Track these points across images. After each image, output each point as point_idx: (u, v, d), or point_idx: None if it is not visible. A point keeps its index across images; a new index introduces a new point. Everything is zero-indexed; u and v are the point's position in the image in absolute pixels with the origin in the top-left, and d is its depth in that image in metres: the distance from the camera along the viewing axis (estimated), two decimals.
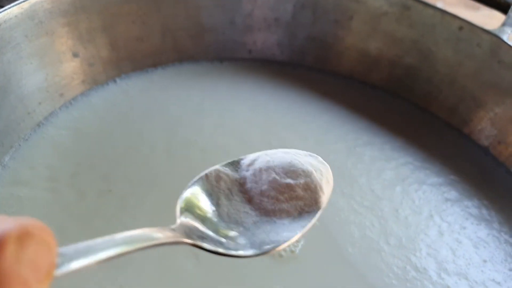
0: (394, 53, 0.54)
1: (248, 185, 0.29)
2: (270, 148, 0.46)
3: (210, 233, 0.27)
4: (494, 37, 0.49)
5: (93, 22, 0.49)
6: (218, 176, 0.29)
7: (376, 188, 0.45)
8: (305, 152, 0.31)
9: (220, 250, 0.26)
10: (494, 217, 0.45)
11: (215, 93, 0.52)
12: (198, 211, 0.28)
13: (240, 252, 0.26)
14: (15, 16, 0.43)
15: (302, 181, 0.28)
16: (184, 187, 0.42)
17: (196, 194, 0.28)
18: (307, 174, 0.29)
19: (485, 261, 0.42)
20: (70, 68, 0.49)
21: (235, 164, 0.31)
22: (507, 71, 0.48)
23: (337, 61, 0.57)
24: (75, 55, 0.49)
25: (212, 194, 0.29)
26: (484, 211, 0.46)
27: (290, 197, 0.28)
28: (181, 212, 0.27)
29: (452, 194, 0.46)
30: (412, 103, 0.55)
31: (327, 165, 0.31)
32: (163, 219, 0.40)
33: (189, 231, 0.26)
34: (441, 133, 0.52)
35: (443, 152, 0.50)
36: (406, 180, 0.47)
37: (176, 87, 0.52)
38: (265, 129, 0.49)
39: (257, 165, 0.30)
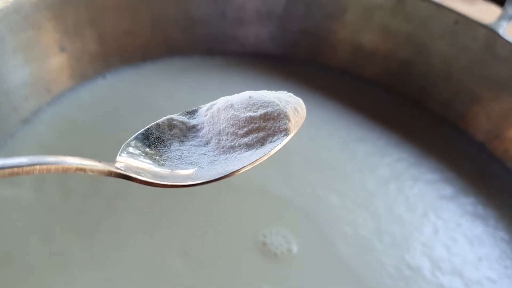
0: (389, 47, 0.53)
1: (206, 129, 0.28)
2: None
3: (153, 167, 0.25)
4: (489, 30, 0.48)
5: (81, 15, 0.48)
6: (171, 124, 0.28)
7: (370, 185, 0.44)
8: (275, 92, 0.28)
9: (158, 181, 0.24)
10: (489, 214, 0.45)
11: (206, 87, 0.51)
12: (143, 156, 0.26)
13: (184, 182, 0.25)
14: (0, 9, 0.42)
15: (262, 111, 0.26)
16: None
17: (143, 141, 0.27)
18: (268, 104, 0.26)
19: (480, 258, 0.41)
20: (57, 62, 0.48)
21: (192, 113, 0.29)
22: (502, 65, 0.48)
23: (331, 55, 0.56)
24: (62, 49, 0.48)
25: (164, 141, 0.27)
26: (480, 208, 0.45)
27: (250, 130, 0.26)
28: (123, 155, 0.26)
29: (448, 190, 0.46)
30: (406, 98, 0.54)
31: (299, 99, 0.28)
32: (152, 220, 0.39)
33: (126, 168, 0.24)
34: (436, 128, 0.52)
35: (438, 148, 0.49)
36: (400, 177, 0.46)
37: (166, 82, 0.51)
38: None
39: (215, 107, 0.28)
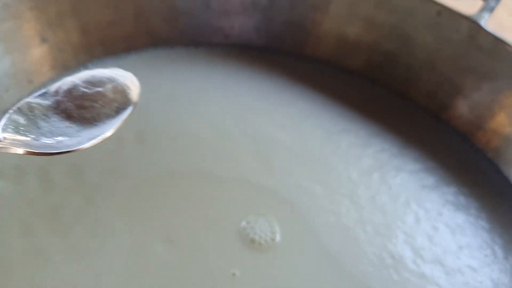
0: (373, 38, 0.54)
1: (62, 106, 0.32)
2: (246, 136, 0.46)
3: (34, 141, 0.30)
4: (472, 22, 0.48)
5: (63, 6, 0.47)
6: (30, 107, 0.32)
7: (353, 175, 0.45)
8: (110, 69, 0.35)
9: (46, 151, 0.30)
10: (471, 203, 0.45)
11: (190, 79, 0.51)
12: (17, 135, 0.30)
13: (68, 149, 0.31)
14: None
15: (109, 86, 0.33)
16: (155, 176, 0.42)
17: (12, 123, 0.31)
18: (111, 80, 0.33)
19: (461, 247, 0.42)
20: (39, 53, 0.47)
21: (43, 94, 0.33)
22: (484, 57, 0.48)
23: (315, 47, 0.56)
24: (44, 40, 0.47)
25: (31, 121, 0.32)
26: (462, 198, 0.46)
27: (104, 103, 0.32)
28: None
29: (430, 180, 0.46)
30: (390, 89, 0.54)
31: (128, 72, 0.36)
32: (134, 210, 0.39)
33: (12, 142, 0.29)
34: (420, 119, 0.52)
35: (421, 139, 0.50)
36: (383, 167, 0.46)
37: (149, 73, 0.51)
38: (240, 116, 0.48)
39: (65, 87, 0.33)
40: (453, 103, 0.51)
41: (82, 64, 0.50)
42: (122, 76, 0.34)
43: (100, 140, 0.31)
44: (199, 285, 0.35)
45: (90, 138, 0.31)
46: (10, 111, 0.31)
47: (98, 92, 0.32)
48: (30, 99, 0.33)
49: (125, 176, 0.41)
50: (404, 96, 0.54)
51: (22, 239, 0.36)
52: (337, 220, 0.41)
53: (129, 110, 0.33)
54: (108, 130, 0.32)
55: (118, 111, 0.33)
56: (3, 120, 0.31)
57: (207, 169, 0.43)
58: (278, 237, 0.39)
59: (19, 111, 0.32)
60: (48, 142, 0.31)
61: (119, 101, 0.33)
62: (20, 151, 0.29)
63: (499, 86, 0.48)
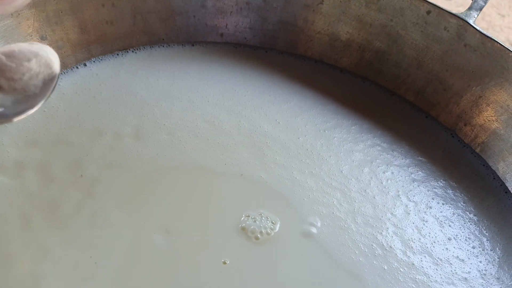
0: (364, 37, 0.55)
1: None
2: (241, 131, 0.47)
3: None
4: (460, 20, 0.49)
5: (61, 4, 0.48)
6: None
7: (345, 169, 0.46)
8: (25, 43, 0.36)
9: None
10: (459, 196, 0.47)
11: (186, 76, 0.52)
12: None
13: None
14: None
15: (33, 60, 0.34)
16: (152, 170, 0.43)
17: None
18: (35, 54, 0.34)
19: (449, 239, 0.43)
20: None
21: None
22: (472, 54, 0.49)
23: (308, 45, 0.57)
24: (42, 37, 0.48)
25: None
26: (450, 191, 0.47)
27: (31, 75, 0.34)
28: None
29: (419, 174, 0.48)
30: (380, 87, 0.55)
31: (47, 46, 0.36)
32: (132, 203, 0.40)
33: None
34: (409, 115, 0.53)
35: (411, 134, 0.51)
36: (374, 162, 0.47)
37: (146, 71, 0.52)
38: (235, 112, 0.49)
39: None
40: (442, 99, 0.52)
41: (80, 62, 0.51)
42: (43, 50, 0.35)
43: (35, 110, 0.34)
44: (192, 272, 0.37)
45: (26, 108, 0.34)
46: None
47: (23, 66, 0.34)
48: None
49: (123, 170, 0.42)
50: (394, 93, 0.55)
51: (23, 232, 0.37)
52: (329, 212, 0.42)
53: (55, 81, 0.35)
54: (41, 100, 0.34)
55: (45, 82, 0.35)
56: None
57: (203, 163, 0.44)
58: (270, 228, 0.40)
59: None
60: None
61: (44, 73, 0.35)
62: None
63: (487, 83, 0.49)
